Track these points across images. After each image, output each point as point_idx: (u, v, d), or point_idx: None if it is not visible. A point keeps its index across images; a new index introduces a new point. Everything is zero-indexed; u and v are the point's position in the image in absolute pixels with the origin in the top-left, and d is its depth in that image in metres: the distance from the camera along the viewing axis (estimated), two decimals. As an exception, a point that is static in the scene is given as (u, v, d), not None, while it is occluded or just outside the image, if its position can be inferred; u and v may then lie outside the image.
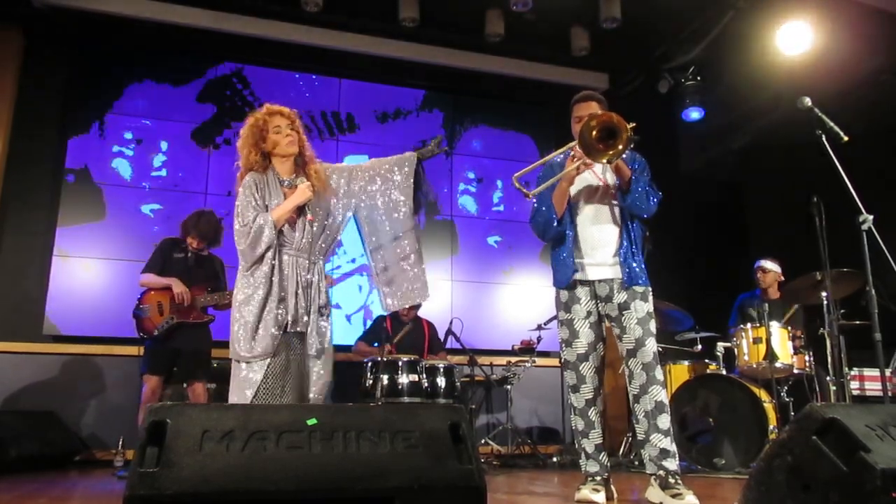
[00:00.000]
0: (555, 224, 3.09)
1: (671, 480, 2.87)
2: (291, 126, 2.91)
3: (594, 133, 2.86)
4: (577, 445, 3.12)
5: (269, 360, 2.73)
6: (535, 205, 3.20)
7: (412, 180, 3.07)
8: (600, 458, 3.05)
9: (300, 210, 2.88)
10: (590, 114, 2.98)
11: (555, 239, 3.16)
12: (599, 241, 3.11)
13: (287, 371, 2.79)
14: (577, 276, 3.08)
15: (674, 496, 2.81)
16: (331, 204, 2.99)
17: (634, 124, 2.88)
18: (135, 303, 4.39)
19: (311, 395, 2.85)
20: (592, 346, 3.08)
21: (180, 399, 4.63)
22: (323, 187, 2.93)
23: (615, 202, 3.14)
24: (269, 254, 2.79)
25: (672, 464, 2.91)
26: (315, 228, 2.90)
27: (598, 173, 3.16)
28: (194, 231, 4.46)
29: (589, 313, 3.09)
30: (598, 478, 3.02)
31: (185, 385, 4.45)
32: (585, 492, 2.92)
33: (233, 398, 2.75)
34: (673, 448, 2.93)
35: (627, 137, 2.81)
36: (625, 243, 3.08)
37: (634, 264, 3.06)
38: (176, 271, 4.37)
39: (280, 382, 2.76)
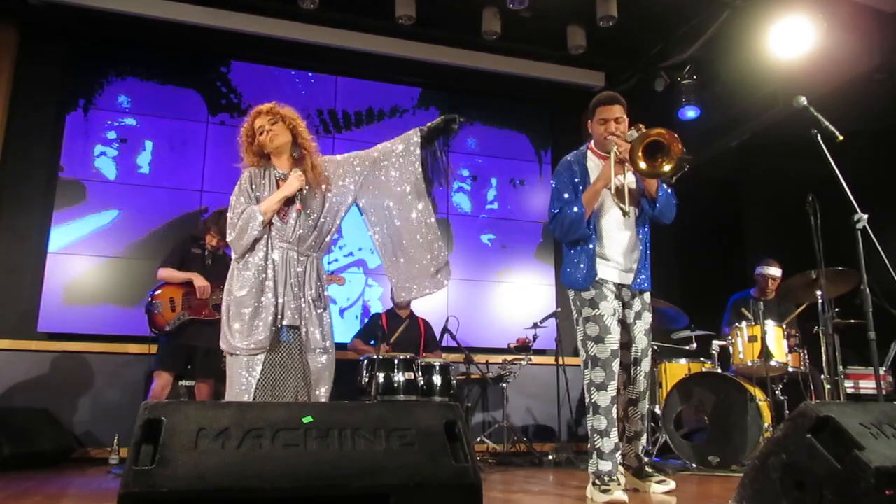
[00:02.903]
0: (581, 227, 3.10)
1: (648, 469, 3.21)
2: (273, 121, 2.91)
3: (647, 143, 2.95)
4: (590, 445, 3.08)
5: (265, 353, 2.75)
6: (558, 202, 3.20)
7: (417, 156, 2.96)
8: (616, 456, 3.05)
9: (291, 202, 2.87)
10: (660, 130, 3.00)
11: (578, 239, 3.17)
12: (625, 244, 3.19)
13: (282, 366, 2.80)
14: (603, 276, 3.13)
15: (659, 482, 3.14)
16: (326, 197, 2.95)
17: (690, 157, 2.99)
18: (146, 298, 4.40)
19: (317, 392, 2.84)
20: (620, 343, 3.13)
21: (184, 397, 4.63)
22: (318, 180, 2.91)
23: (636, 207, 3.23)
24: (262, 246, 2.81)
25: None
26: (306, 220, 2.87)
27: (623, 178, 3.25)
28: (214, 228, 4.44)
29: (615, 311, 3.13)
30: (614, 476, 3.01)
31: (193, 383, 4.46)
32: (618, 493, 2.87)
33: (231, 392, 2.75)
34: None
35: (679, 163, 2.92)
36: (645, 250, 3.24)
37: (648, 270, 3.25)
38: (193, 267, 4.40)
39: (273, 376, 2.77)
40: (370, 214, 3.01)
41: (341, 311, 6.18)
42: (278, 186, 2.88)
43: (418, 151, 2.98)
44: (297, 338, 2.83)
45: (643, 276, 3.21)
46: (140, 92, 6.06)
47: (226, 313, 2.82)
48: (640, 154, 2.93)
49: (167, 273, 4.39)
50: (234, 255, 2.86)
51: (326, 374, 2.88)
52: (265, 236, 2.82)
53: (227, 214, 2.85)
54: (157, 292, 4.37)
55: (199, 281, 4.30)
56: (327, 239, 2.98)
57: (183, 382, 4.75)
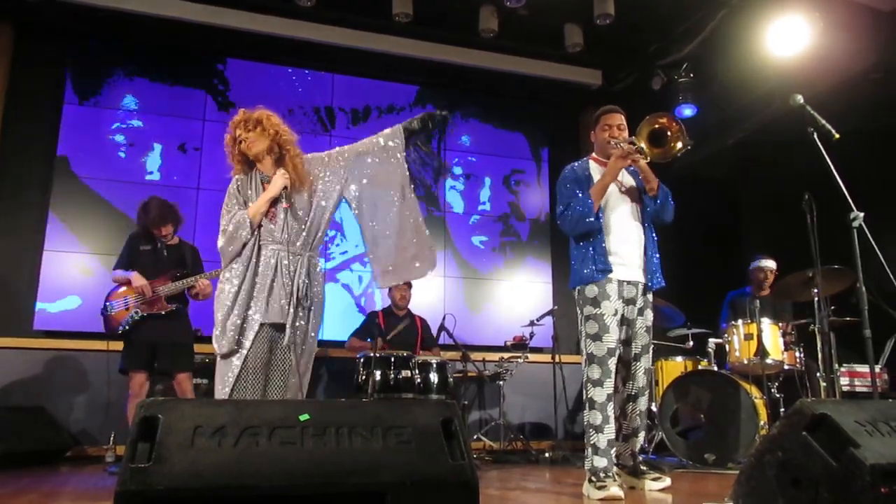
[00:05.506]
0: (590, 219, 3.15)
1: (643, 468, 3.25)
2: (248, 128, 2.90)
3: (656, 127, 3.15)
4: (586, 440, 3.11)
5: (244, 353, 2.76)
6: (566, 198, 3.27)
7: (402, 153, 3.02)
8: (611, 453, 3.07)
9: (278, 201, 2.87)
10: (659, 118, 3.19)
11: (584, 234, 3.22)
12: (629, 241, 3.23)
13: (268, 365, 2.80)
14: (609, 274, 3.15)
15: (654, 479, 3.17)
16: (313, 195, 2.95)
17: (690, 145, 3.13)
18: (102, 303, 4.40)
19: (298, 384, 2.86)
20: (618, 342, 3.16)
21: (170, 394, 4.62)
22: (302, 178, 2.91)
23: (639, 206, 3.31)
24: (247, 249, 2.83)
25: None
26: (294, 219, 2.88)
27: (625, 177, 3.32)
28: (146, 222, 4.41)
29: (616, 311, 3.16)
30: (610, 472, 3.03)
31: (172, 379, 4.46)
32: (614, 489, 2.90)
33: (217, 391, 2.79)
34: None
35: (684, 143, 3.11)
36: (650, 246, 3.27)
37: (659, 267, 3.29)
38: (143, 264, 4.37)
39: (258, 376, 2.77)
40: (356, 206, 3.00)
41: (340, 310, 6.17)
42: (264, 189, 2.89)
43: (402, 149, 3.02)
44: (282, 336, 2.84)
45: (657, 274, 3.27)
46: (137, 90, 6.04)
47: (216, 314, 2.83)
48: (647, 142, 3.11)
49: (116, 276, 4.40)
50: (222, 262, 2.88)
51: (304, 370, 2.91)
52: (255, 238, 2.84)
53: (221, 222, 2.87)
54: (112, 293, 4.38)
55: (137, 280, 4.28)
56: (318, 236, 2.96)
57: (159, 386, 4.77)
